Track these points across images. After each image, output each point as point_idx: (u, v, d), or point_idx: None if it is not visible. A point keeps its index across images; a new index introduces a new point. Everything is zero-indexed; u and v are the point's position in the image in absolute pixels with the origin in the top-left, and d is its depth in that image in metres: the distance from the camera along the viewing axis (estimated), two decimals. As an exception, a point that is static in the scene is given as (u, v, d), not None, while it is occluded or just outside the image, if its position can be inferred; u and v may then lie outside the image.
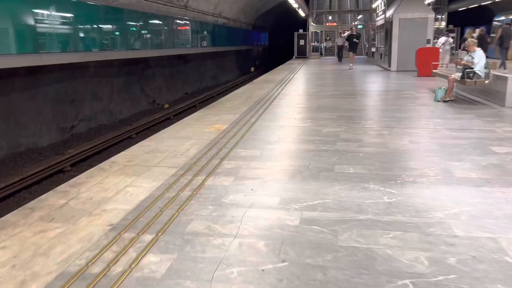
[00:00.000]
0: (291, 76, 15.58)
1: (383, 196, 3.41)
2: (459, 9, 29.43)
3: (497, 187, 3.59)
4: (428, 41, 16.84)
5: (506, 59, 16.54)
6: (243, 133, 5.92)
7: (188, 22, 19.19)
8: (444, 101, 8.50)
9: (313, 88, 11.55)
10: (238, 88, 13.82)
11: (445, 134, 5.64)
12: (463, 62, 8.37)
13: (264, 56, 41.10)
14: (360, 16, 36.49)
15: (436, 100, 8.66)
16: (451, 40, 19.64)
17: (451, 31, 29.82)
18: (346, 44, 21.25)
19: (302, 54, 31.22)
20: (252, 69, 33.50)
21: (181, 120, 7.25)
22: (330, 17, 36.15)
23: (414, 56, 15.80)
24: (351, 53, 19.76)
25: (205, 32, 22.07)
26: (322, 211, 3.14)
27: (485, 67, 8.20)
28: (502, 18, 24.01)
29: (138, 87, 15.71)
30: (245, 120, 6.96)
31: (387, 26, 18.53)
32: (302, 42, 31.71)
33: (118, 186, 3.77)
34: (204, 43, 21.99)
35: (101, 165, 4.53)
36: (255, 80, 14.80)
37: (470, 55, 8.31)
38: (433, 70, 10.79)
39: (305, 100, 9.22)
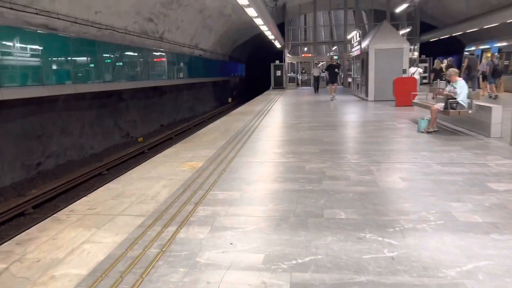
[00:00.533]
0: (269, 107, 15.29)
1: (383, 249, 2.96)
2: (431, 40, 30.20)
3: (507, 234, 3.18)
4: (404, 71, 16.93)
5: (479, 88, 16.80)
6: (220, 171, 5.43)
7: (163, 54, 18.88)
8: (428, 132, 8.25)
9: (293, 120, 11.22)
10: (215, 120, 13.42)
11: (436, 169, 5.29)
12: (445, 92, 8.19)
13: (242, 87, 41.12)
14: (334, 47, 37.11)
15: (420, 131, 8.41)
16: (420, 70, 20.01)
17: (423, 61, 30.53)
18: (325, 74, 20.86)
19: (279, 84, 31.26)
20: (230, 100, 33.32)
21: (153, 158, 6.71)
22: (305, 49, 36.62)
23: (392, 86, 15.81)
24: (331, 84, 18.56)
25: (181, 64, 21.79)
26: (315, 272, 2.65)
27: (468, 97, 8.03)
28: (473, 48, 24.68)
29: (112, 120, 15.12)
30: (223, 156, 6.48)
31: (363, 57, 18.64)
32: (278, 73, 31.82)
33: (74, 243, 3.20)
34: (181, 75, 21.67)
35: (58, 214, 3.94)
36: (232, 112, 14.43)
37: (452, 85, 8.14)
38: (413, 101, 10.64)
39: (285, 133, 8.84)
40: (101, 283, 2.56)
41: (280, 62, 31.80)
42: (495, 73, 15.39)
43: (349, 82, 25.36)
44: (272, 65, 31.60)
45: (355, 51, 20.89)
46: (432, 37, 29.67)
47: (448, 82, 9.16)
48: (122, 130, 15.84)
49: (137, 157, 12.95)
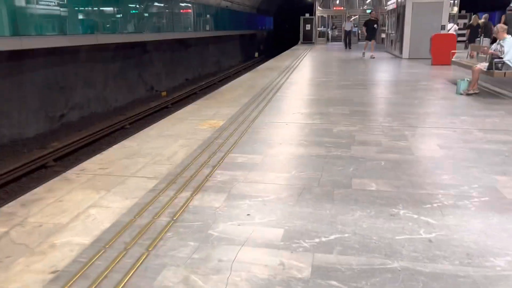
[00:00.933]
0: (297, 63, 14.66)
1: (419, 229, 2.61)
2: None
3: None
4: (443, 27, 15.83)
5: None
6: (242, 132, 5.10)
7: (189, 5, 18.23)
8: (468, 94, 7.63)
9: (321, 77, 10.67)
10: (240, 75, 12.97)
11: (478, 137, 4.80)
12: (490, 51, 7.46)
13: (269, 41, 39.97)
14: (368, 1, 35.18)
15: (459, 93, 7.78)
16: (456, 27, 18.79)
17: (463, 16, 28.63)
18: (363, 30, 18.11)
19: (308, 39, 30.16)
20: (256, 54, 32.49)
21: (173, 114, 6.43)
22: (337, 1, 34.88)
23: (429, 43, 14.83)
24: (368, 41, 17.15)
25: (207, 16, 21.10)
26: (341, 254, 2.34)
27: (516, 57, 7.30)
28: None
29: (135, 73, 14.87)
30: (245, 115, 6.13)
31: (399, 11, 17.50)
32: (308, 27, 30.65)
33: (80, 206, 2.99)
34: (207, 27, 21.04)
35: (68, 173, 3.74)
36: (258, 67, 13.91)
37: (499, 43, 7.40)
38: (453, 59, 9.87)
39: (313, 91, 8.37)
40: (103, 255, 2.33)
41: (310, 15, 30.52)
42: None
43: (383, 38, 24.10)
44: (301, 18, 30.38)
45: (391, 4, 19.63)
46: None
47: (494, 40, 8.37)
48: (146, 83, 15.60)
49: (160, 111, 12.75)
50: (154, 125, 5.63)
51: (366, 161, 3.95)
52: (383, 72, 12.01)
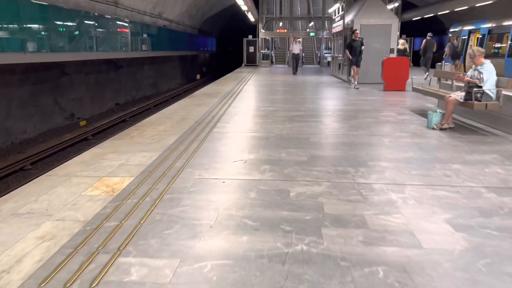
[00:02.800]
0: (240, 88, 13.13)
1: None
2: (413, 18, 28.49)
3: None
4: (392, 51, 15.11)
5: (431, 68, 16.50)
6: (152, 204, 3.34)
7: (120, 22, 16.27)
8: (441, 129, 6.39)
9: (268, 106, 9.14)
10: (180, 99, 11.18)
11: (493, 202, 3.38)
12: (466, 78, 6.28)
13: (212, 63, 38.52)
14: (311, 23, 34.94)
15: (430, 127, 6.54)
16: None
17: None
18: (347, 53, 14.03)
19: (252, 61, 29.03)
20: (198, 76, 30.83)
21: (61, 166, 4.53)
22: (281, 24, 34.28)
23: (377, 66, 13.95)
24: (354, 66, 13.77)
25: (142, 35, 19.19)
26: None
27: (496, 85, 6.17)
28: (458, 29, 23.09)
29: (50, 99, 12.60)
30: (166, 165, 4.37)
31: (346, 33, 16.68)
32: (251, 49, 29.55)
33: None
34: (141, 47, 19.09)
35: None
36: (196, 92, 12.19)
37: (476, 69, 6.25)
38: (414, 86, 8.73)
39: (259, 125, 6.78)
40: None
41: (253, 37, 29.48)
42: (454, 55, 16.21)
43: (328, 62, 23.40)
44: (244, 40, 29.25)
45: (337, 26, 18.86)
46: (415, 15, 27.96)
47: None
48: (65, 110, 13.35)
49: (76, 145, 10.61)
50: (14, 192, 3.69)
51: (351, 270, 2.32)
52: (335, 99, 10.74)
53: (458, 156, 4.86)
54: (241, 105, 9.22)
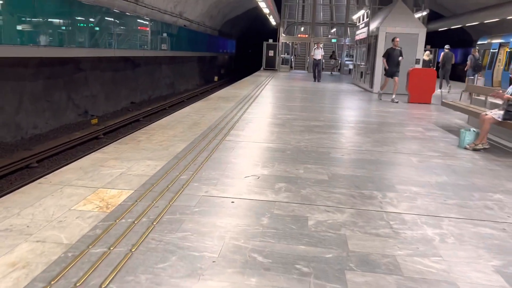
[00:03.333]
0: (257, 92, 12.69)
1: None
2: (439, 29, 27.73)
3: None
4: (417, 61, 14.50)
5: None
6: (150, 223, 2.90)
7: (139, 20, 16.03)
8: (475, 150, 5.83)
9: (285, 113, 8.67)
10: (196, 101, 10.78)
11: (549, 246, 2.85)
12: (506, 95, 5.72)
13: (230, 65, 38.26)
14: (333, 30, 34.36)
15: (462, 146, 5.99)
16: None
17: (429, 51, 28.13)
18: (384, 61, 12.59)
19: (271, 66, 28.61)
20: (216, 78, 30.51)
21: (57, 171, 4.14)
22: (302, 29, 33.81)
23: (405, 77, 13.38)
24: (388, 79, 12.43)
25: (162, 34, 18.94)
26: None
27: (539, 105, 5.60)
28: (487, 42, 22.27)
29: (64, 95, 12.36)
30: (171, 176, 3.94)
31: (370, 41, 16.11)
32: (271, 53, 29.15)
33: None
34: (160, 46, 18.84)
35: None
36: (212, 95, 11.79)
37: (518, 86, 5.69)
38: (443, 100, 8.17)
39: (275, 135, 6.32)
40: None
41: (274, 41, 29.08)
42: (476, 68, 15.68)
43: (350, 70, 22.83)
44: (264, 43, 28.85)
45: (361, 33, 18.29)
46: (442, 26, 27.22)
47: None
48: (78, 107, 13.10)
49: (87, 143, 10.30)
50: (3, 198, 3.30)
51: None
52: (357, 109, 10.22)
53: (498, 183, 4.32)
54: (258, 111, 8.78)
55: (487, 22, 23.43)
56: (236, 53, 40.60)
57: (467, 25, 25.39)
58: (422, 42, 14.57)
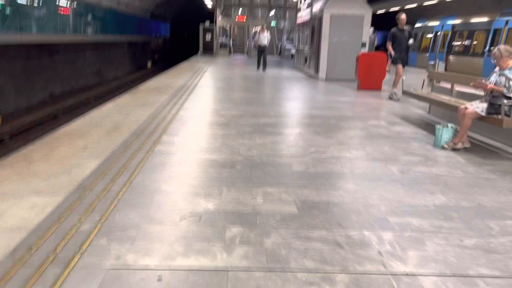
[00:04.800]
0: (195, 81, 11.28)
1: None
2: (377, 12, 27.55)
3: None
4: (363, 45, 13.76)
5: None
6: None
7: (57, 1, 13.84)
8: (454, 149, 4.97)
9: (229, 108, 7.42)
10: (128, 89, 9.13)
11: None
12: (490, 85, 4.85)
13: (165, 50, 36.00)
14: (272, 13, 33.29)
15: (439, 145, 5.10)
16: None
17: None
18: (389, 46, 9.55)
19: (209, 50, 27.05)
20: (149, 64, 28.39)
21: None
22: (240, 11, 32.38)
23: (349, 62, 12.61)
24: (399, 67, 9.36)
25: (84, 16, 16.76)
26: None
27: (526, 96, 4.80)
28: (423, 24, 22.28)
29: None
30: (63, 230, 2.57)
31: (314, 23, 15.16)
32: (208, 36, 27.55)
33: None
34: (83, 30, 16.67)
35: None
36: (142, 86, 10.21)
37: (503, 74, 4.83)
38: (404, 89, 7.30)
39: (220, 141, 5.06)
40: None
41: (211, 24, 27.47)
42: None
43: (292, 55, 21.91)
44: (201, 26, 27.18)
45: (303, 16, 17.31)
46: (380, 8, 27.04)
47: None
48: (-21, 102, 10.94)
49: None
50: None
51: None
52: (307, 100, 9.18)
53: (505, 201, 3.39)
54: (196, 106, 7.43)
55: (425, 5, 23.48)
56: (171, 37, 38.37)
57: (405, 8, 25.37)
58: (368, 25, 13.81)
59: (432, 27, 20.48)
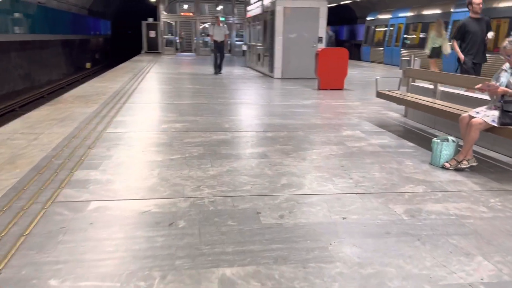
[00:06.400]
0: (134, 85, 9.76)
1: None
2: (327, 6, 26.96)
3: None
4: (320, 40, 12.78)
5: None
6: None
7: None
8: (458, 169, 3.93)
9: (173, 120, 6.07)
10: (65, 92, 7.44)
11: None
12: (502, 88, 3.84)
13: (106, 49, 33.64)
14: (220, 7, 31.85)
15: (438, 164, 4.05)
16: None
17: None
18: (455, 44, 6.58)
19: (154, 48, 25.33)
20: (88, 65, 26.16)
21: None
22: (185, 6, 30.67)
23: (310, 60, 11.60)
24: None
25: (8, 13, 14.66)
26: None
27: (543, 100, 3.82)
28: (375, 17, 21.78)
29: None
30: None
31: (266, 17, 14.02)
32: (153, 33, 25.79)
33: None
34: (7, 28, 14.58)
35: None
36: (67, 94, 8.53)
37: (514, 73, 3.84)
38: (378, 90, 6.26)
39: (158, 175, 3.71)
40: None
41: (154, 20, 25.71)
42: (329, 45, 14.79)
43: (243, 51, 20.69)
44: (143, 23, 25.37)
45: (254, 9, 16.11)
46: (331, 2, 26.43)
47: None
48: None
49: None
50: None
51: None
52: (266, 105, 7.97)
53: None
54: (131, 119, 6.00)
55: None
56: (112, 35, 36.00)
57: (351, 0, 24.89)
58: (324, 18, 12.82)
59: (386, 19, 19.96)
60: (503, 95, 3.84)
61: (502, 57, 3.94)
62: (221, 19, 28.02)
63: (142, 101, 7.66)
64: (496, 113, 3.86)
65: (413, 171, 3.92)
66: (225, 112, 6.81)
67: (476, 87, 4.02)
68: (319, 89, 10.06)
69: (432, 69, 9.93)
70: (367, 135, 5.37)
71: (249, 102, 8.08)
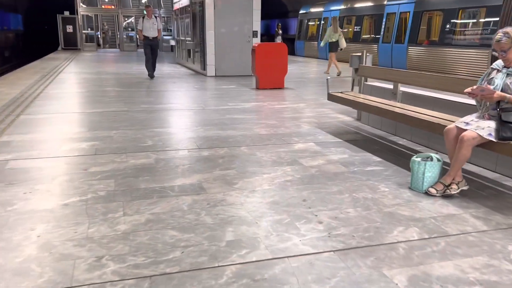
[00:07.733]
0: (38, 89, 8.14)
1: None
2: None
3: None
4: (255, 34, 11.86)
5: None
6: None
7: None
8: (445, 195, 3.11)
9: (81, 137, 4.75)
10: None
11: None
12: (498, 93, 3.04)
13: (18, 46, 30.26)
14: (144, 0, 29.86)
15: (421, 190, 3.21)
16: None
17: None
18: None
19: (72, 44, 23.02)
20: (-6, 64, 23.16)
21: None
22: (107, -2, 28.35)
23: (246, 56, 10.64)
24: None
25: None
26: None
27: (544, 106, 3.09)
28: (308, 11, 21.29)
29: None
30: None
31: (194, 9, 12.83)
32: (70, 28, 23.43)
33: None
34: None
35: None
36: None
37: (508, 73, 3.06)
38: (330, 93, 5.36)
39: (40, 233, 2.48)
40: None
41: (71, 13, 23.36)
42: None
43: (172, 46, 19.22)
44: (59, 17, 22.93)
45: (182, 1, 14.77)
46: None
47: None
48: None
49: None
50: None
51: None
52: (200, 110, 6.82)
53: None
54: (19, 140, 4.58)
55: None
56: (25, 30, 32.56)
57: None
58: (257, 10, 11.86)
59: (319, 13, 19.47)
60: (498, 101, 3.05)
61: (494, 53, 3.14)
62: (145, 12, 26.29)
63: (42, 111, 6.17)
64: (492, 124, 3.06)
65: (394, 203, 3.03)
66: (149, 122, 5.57)
67: (465, 91, 3.19)
68: (257, 88, 9.10)
69: (333, 62, 12.06)
70: (322, 147, 4.44)
71: (179, 107, 6.89)
